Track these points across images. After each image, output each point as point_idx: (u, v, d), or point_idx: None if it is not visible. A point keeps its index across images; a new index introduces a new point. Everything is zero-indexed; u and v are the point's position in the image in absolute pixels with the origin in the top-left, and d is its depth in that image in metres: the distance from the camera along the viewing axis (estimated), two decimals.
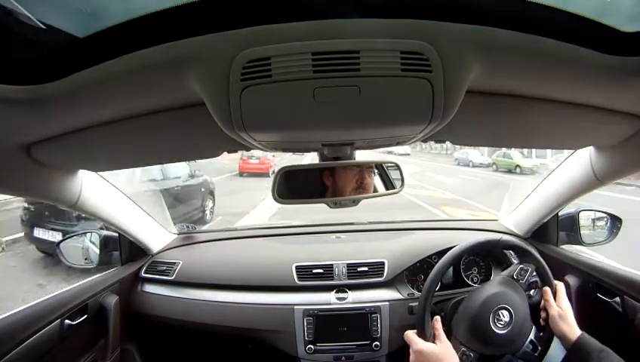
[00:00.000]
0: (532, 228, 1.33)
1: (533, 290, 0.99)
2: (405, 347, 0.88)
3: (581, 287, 1.14)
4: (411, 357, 0.83)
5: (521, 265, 0.99)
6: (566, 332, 0.88)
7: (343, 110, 0.50)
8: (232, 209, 7.02)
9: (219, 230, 1.64)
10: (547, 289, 0.94)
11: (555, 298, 0.93)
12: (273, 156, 11.23)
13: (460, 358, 0.84)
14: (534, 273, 0.98)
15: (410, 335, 0.86)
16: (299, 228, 1.68)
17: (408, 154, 21.79)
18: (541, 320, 0.95)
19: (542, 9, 0.43)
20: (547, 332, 0.93)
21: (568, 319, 0.90)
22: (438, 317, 0.89)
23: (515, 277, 0.97)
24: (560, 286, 0.96)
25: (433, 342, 0.84)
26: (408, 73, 0.46)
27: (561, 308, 0.91)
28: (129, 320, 1.28)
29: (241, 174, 12.35)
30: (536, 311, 0.95)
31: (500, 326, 0.90)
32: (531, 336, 0.92)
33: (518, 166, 14.36)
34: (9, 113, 0.52)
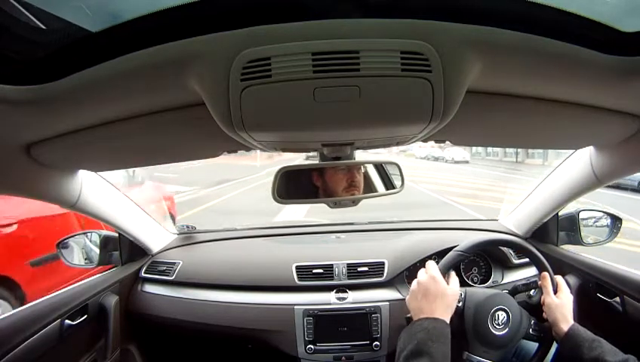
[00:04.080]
0: (532, 228, 1.32)
1: (533, 290, 0.99)
2: None
3: (581, 287, 1.14)
4: (421, 278, 0.83)
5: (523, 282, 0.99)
6: (558, 321, 0.87)
7: (343, 110, 0.50)
8: None
9: (219, 230, 1.64)
10: (545, 274, 0.94)
11: (555, 291, 0.92)
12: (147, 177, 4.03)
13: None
14: (534, 278, 0.97)
15: (432, 262, 0.86)
16: (299, 228, 1.68)
17: (467, 162, 17.03)
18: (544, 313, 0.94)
19: (542, 9, 0.43)
20: (547, 334, 0.93)
21: (564, 310, 0.89)
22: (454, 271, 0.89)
23: (518, 289, 0.98)
24: (560, 279, 0.95)
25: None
26: (408, 73, 0.46)
27: (560, 299, 0.90)
28: (129, 320, 1.28)
29: None
30: (537, 310, 0.95)
31: (498, 327, 0.89)
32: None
33: None
34: (9, 113, 0.52)
